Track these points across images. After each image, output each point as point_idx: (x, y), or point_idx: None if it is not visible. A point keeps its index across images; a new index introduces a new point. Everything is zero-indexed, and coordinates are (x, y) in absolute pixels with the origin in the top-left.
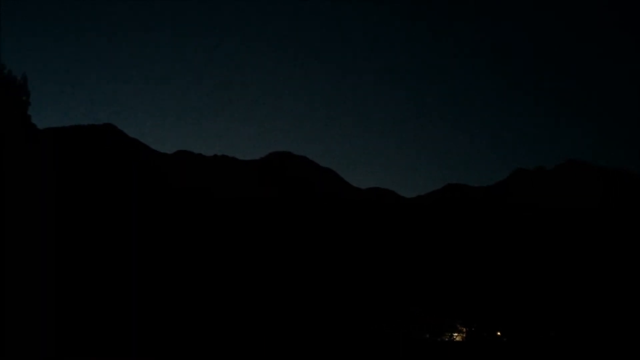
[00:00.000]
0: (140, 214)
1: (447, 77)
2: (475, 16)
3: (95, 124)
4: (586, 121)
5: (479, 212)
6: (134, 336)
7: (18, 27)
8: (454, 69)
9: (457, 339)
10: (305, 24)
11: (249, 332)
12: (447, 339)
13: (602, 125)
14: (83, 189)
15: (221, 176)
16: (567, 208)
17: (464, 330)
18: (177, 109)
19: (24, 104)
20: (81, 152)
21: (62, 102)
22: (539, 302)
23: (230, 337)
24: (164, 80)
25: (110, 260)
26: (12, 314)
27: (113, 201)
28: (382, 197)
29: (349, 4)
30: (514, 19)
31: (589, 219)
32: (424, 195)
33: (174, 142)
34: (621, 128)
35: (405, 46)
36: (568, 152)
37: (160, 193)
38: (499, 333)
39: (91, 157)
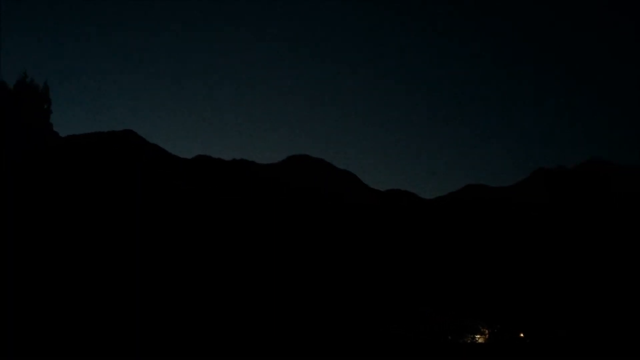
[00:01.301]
0: (155, 216)
1: (465, 77)
2: (495, 16)
3: (115, 130)
4: (608, 119)
5: (499, 212)
6: (137, 336)
7: (40, 36)
8: (472, 69)
9: (480, 340)
10: (324, 28)
11: (262, 329)
12: (469, 341)
13: (624, 123)
14: (99, 193)
15: (240, 180)
16: (589, 208)
17: (486, 331)
18: (196, 115)
19: (46, 113)
20: (101, 158)
21: (83, 109)
22: (562, 303)
23: (246, 336)
24: (182, 86)
25: (118, 261)
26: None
27: (126, 204)
28: (401, 199)
29: (366, 7)
30: (535, 19)
31: (610, 219)
32: (444, 197)
33: (193, 147)
34: None
35: (423, 47)
36: (590, 150)
37: (177, 197)
38: (521, 334)
39: (110, 163)
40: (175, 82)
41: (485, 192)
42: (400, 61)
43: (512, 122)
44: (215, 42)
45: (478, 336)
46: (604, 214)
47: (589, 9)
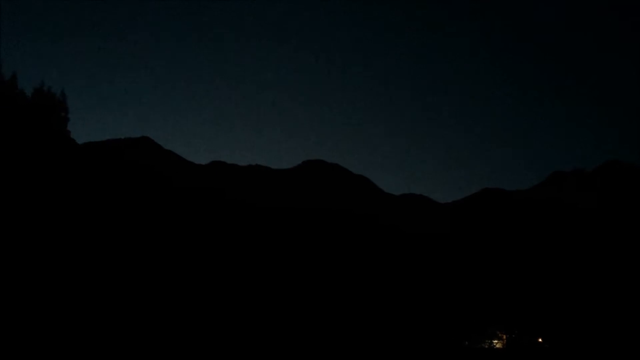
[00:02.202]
0: (170, 221)
1: (481, 80)
2: (513, 18)
3: (131, 137)
4: (626, 120)
5: (516, 216)
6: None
7: (58, 45)
8: (488, 72)
9: (497, 346)
10: (340, 35)
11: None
12: (486, 346)
13: None
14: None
15: (255, 185)
16: (607, 211)
17: (504, 337)
18: (211, 121)
19: (63, 120)
20: (118, 164)
21: (100, 116)
22: (581, 307)
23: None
24: (197, 92)
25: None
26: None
27: (142, 209)
28: (416, 203)
29: (383, 14)
30: (554, 20)
31: (630, 222)
32: (460, 201)
33: (208, 153)
34: None
35: (439, 52)
36: (607, 152)
37: (192, 202)
38: (540, 339)
39: (126, 169)
40: (189, 89)
41: (501, 195)
42: (417, 66)
43: (529, 125)
44: (231, 49)
45: (495, 341)
46: (622, 216)
47: (608, 12)
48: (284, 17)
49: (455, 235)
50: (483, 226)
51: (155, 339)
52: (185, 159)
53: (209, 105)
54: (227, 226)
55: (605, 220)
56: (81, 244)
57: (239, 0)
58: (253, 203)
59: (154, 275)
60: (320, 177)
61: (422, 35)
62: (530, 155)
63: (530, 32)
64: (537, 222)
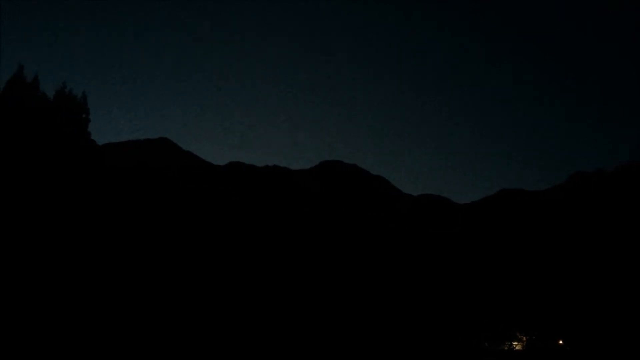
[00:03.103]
0: (189, 223)
1: (500, 79)
2: (533, 19)
3: (150, 138)
4: None
5: (535, 217)
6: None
7: (79, 47)
8: (508, 72)
9: (517, 348)
10: (358, 36)
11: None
12: (506, 348)
13: None
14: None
15: (273, 186)
16: (629, 212)
17: (524, 338)
18: (229, 122)
19: (84, 122)
20: (137, 165)
21: (120, 118)
22: (601, 310)
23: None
24: (215, 94)
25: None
26: None
27: (161, 210)
28: (434, 204)
29: (401, 15)
30: (572, 21)
31: None
32: (478, 201)
33: (226, 154)
34: None
35: (459, 53)
36: (629, 152)
37: (211, 203)
38: (560, 342)
39: (146, 170)
40: (207, 91)
41: (521, 196)
42: (434, 66)
43: (549, 125)
44: (249, 51)
45: (515, 343)
46: None
47: (629, 13)
48: (303, 18)
49: (473, 236)
50: (501, 227)
51: (167, 338)
52: (204, 159)
53: (227, 106)
54: (245, 227)
55: (627, 222)
56: (102, 244)
57: (258, 1)
58: (271, 204)
59: (173, 274)
60: (339, 178)
61: (443, 37)
62: (551, 156)
63: (550, 32)
64: (556, 223)
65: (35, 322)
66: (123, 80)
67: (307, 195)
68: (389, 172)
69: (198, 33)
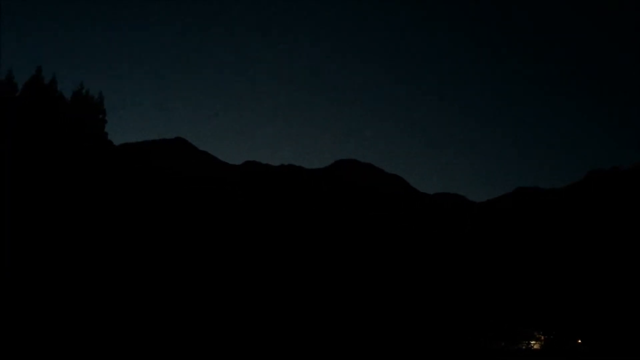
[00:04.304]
0: (206, 222)
1: (516, 77)
2: (548, 17)
3: (167, 138)
4: None
5: (552, 216)
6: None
7: (96, 49)
8: (522, 70)
9: (535, 347)
10: (371, 34)
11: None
12: (524, 347)
13: None
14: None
15: (288, 185)
16: None
17: (542, 337)
18: (244, 121)
19: (100, 122)
20: (153, 165)
21: (137, 118)
22: (620, 308)
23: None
24: (229, 94)
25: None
26: None
27: (178, 209)
28: (450, 202)
29: (418, 15)
30: (592, 18)
31: None
32: (494, 200)
33: (242, 154)
34: None
35: (473, 50)
36: None
37: (228, 203)
38: (579, 341)
39: (162, 170)
40: (222, 90)
41: (536, 195)
42: (448, 65)
43: (565, 123)
44: (264, 51)
45: (533, 342)
46: None
47: None
48: (317, 17)
49: (489, 235)
50: (517, 225)
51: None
52: (220, 159)
53: (241, 105)
54: (258, 226)
55: None
56: (118, 243)
57: (272, 0)
58: (285, 203)
59: (188, 273)
60: (353, 177)
61: (454, 38)
62: (567, 154)
63: (568, 30)
64: (573, 222)
65: (50, 318)
66: (139, 81)
67: (320, 195)
68: (405, 171)
69: (213, 33)
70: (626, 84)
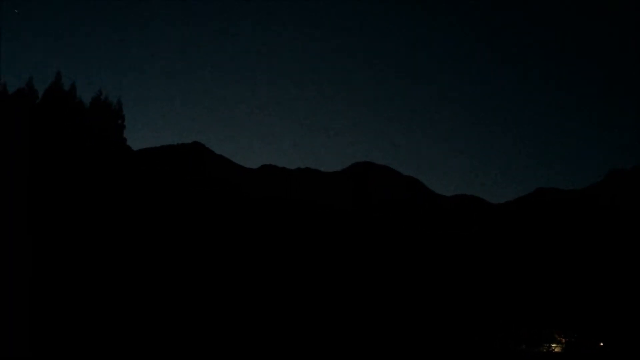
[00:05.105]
0: (223, 225)
1: (534, 77)
2: (566, 17)
3: (184, 143)
4: None
5: (572, 217)
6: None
7: (116, 56)
8: (541, 69)
9: (556, 350)
10: (387, 39)
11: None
12: (545, 350)
13: None
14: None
15: (305, 188)
16: None
17: (563, 340)
18: (260, 125)
19: (119, 128)
20: (171, 169)
21: (155, 123)
22: None
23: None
24: (246, 98)
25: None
26: None
27: (195, 213)
28: (468, 204)
29: (434, 18)
30: (605, 18)
31: None
32: (513, 201)
33: (259, 157)
34: None
35: (491, 50)
36: None
37: (245, 206)
38: (601, 344)
39: (180, 174)
40: (239, 95)
41: (557, 195)
42: (465, 66)
43: (585, 122)
44: (281, 54)
45: (554, 345)
46: None
47: None
48: (334, 19)
49: (509, 236)
50: (537, 226)
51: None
52: (237, 163)
53: (258, 110)
54: (280, 228)
55: None
56: (138, 246)
57: (290, 3)
58: (304, 205)
59: (200, 274)
60: (370, 179)
61: (473, 39)
62: (588, 153)
63: (589, 29)
64: (594, 222)
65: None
66: (157, 86)
67: (337, 196)
68: (422, 173)
69: (229, 42)
70: None
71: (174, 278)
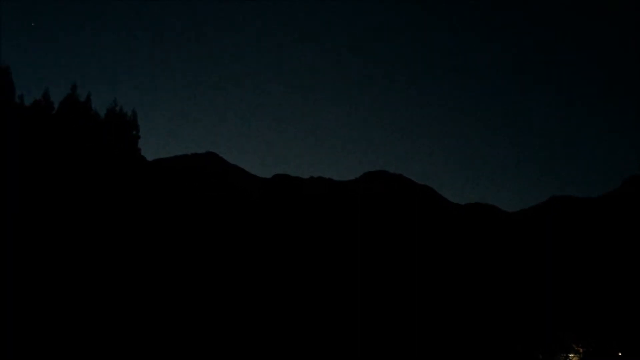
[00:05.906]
0: (238, 234)
1: (547, 83)
2: (579, 22)
3: (198, 152)
4: None
5: (588, 225)
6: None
7: (131, 68)
8: (556, 75)
9: (574, 359)
10: (398, 45)
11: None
12: None
13: None
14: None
15: (318, 197)
16: None
17: (581, 350)
18: (273, 135)
19: (134, 138)
20: (186, 179)
21: (169, 134)
22: None
23: None
24: (259, 109)
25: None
26: None
27: (210, 222)
28: (482, 213)
29: (448, 27)
30: (623, 23)
31: None
32: (528, 209)
33: (272, 167)
34: None
35: (504, 57)
36: None
37: (259, 215)
38: (620, 354)
39: (194, 184)
40: (252, 106)
41: (572, 203)
42: (478, 72)
43: (601, 129)
44: (293, 64)
45: (572, 355)
46: None
47: None
48: (344, 27)
49: (523, 244)
50: (555, 234)
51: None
52: (250, 172)
53: (271, 119)
54: (293, 237)
55: None
56: (155, 255)
57: (301, 14)
58: (317, 214)
59: (211, 283)
60: (383, 188)
61: (484, 46)
62: (603, 161)
63: (605, 36)
64: (610, 231)
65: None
66: (171, 96)
67: (350, 206)
68: (437, 182)
69: (240, 52)
70: None
71: (187, 290)
